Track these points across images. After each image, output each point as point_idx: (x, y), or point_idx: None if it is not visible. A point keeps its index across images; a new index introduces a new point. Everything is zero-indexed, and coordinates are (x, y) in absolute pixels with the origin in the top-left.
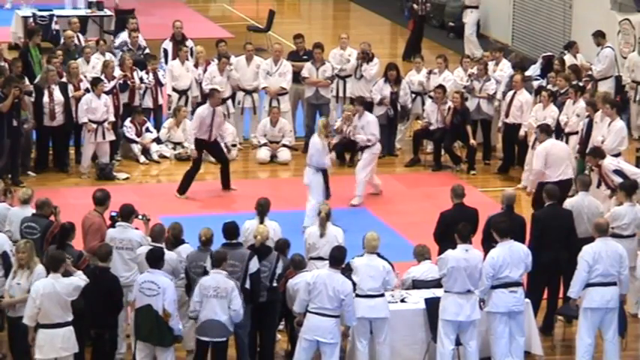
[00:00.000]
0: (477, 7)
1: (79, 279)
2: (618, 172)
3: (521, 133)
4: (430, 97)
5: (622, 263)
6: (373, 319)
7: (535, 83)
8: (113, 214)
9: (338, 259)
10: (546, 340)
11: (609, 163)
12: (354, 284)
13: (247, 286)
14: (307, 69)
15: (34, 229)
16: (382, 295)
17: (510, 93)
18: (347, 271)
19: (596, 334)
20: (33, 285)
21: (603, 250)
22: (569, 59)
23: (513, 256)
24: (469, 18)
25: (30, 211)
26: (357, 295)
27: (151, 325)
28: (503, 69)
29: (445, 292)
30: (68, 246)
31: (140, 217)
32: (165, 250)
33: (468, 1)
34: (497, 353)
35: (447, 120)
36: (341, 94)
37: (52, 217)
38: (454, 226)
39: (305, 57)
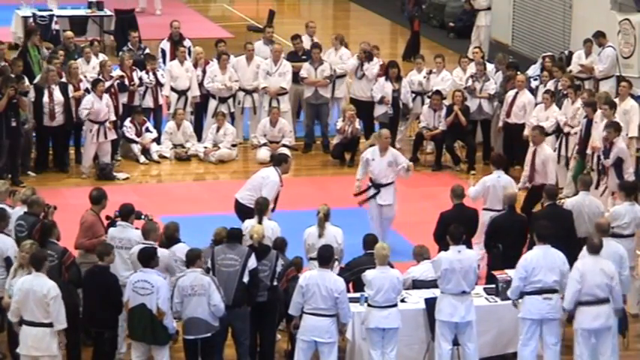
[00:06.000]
0: (489, 9)
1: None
2: (619, 160)
3: (526, 132)
4: (429, 97)
5: (622, 264)
6: (387, 329)
7: (535, 83)
8: (117, 214)
9: (326, 258)
10: None
11: (624, 147)
12: (366, 298)
13: (245, 280)
14: (306, 69)
15: (22, 227)
16: (395, 305)
17: (511, 93)
18: (346, 272)
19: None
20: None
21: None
22: (578, 56)
23: (547, 260)
24: (485, 20)
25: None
26: (370, 306)
27: (145, 324)
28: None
29: (441, 293)
30: (50, 243)
31: (143, 217)
32: (158, 248)
33: (478, 5)
34: (523, 359)
35: (447, 120)
36: (335, 95)
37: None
38: None
39: (304, 57)
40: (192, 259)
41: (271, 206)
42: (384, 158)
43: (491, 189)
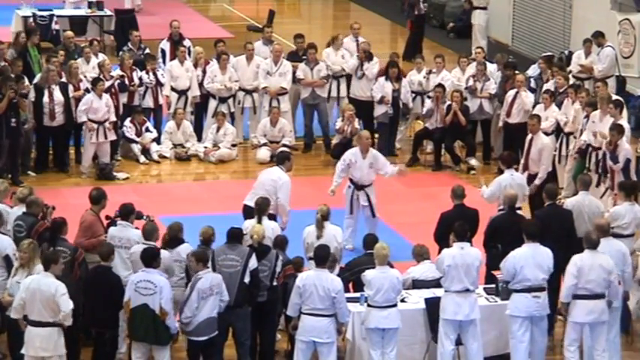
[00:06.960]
0: (485, 8)
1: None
2: (628, 161)
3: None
4: (429, 96)
5: (625, 261)
6: (386, 329)
7: (534, 83)
8: (117, 213)
9: (322, 257)
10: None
11: (629, 148)
12: (366, 298)
13: (246, 280)
14: (302, 70)
15: (21, 227)
16: (395, 305)
17: (512, 93)
18: (346, 272)
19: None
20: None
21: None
22: (577, 56)
23: (536, 258)
24: (478, 19)
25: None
26: (370, 306)
27: (147, 325)
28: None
29: (445, 291)
30: (61, 240)
31: (144, 217)
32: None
33: (476, 2)
34: (516, 357)
35: (446, 119)
36: (334, 94)
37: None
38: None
39: (305, 57)
40: (207, 259)
41: (289, 208)
42: (365, 160)
43: (508, 188)
